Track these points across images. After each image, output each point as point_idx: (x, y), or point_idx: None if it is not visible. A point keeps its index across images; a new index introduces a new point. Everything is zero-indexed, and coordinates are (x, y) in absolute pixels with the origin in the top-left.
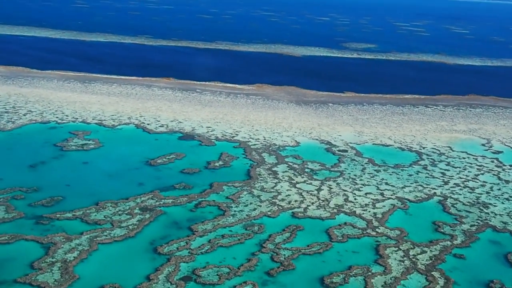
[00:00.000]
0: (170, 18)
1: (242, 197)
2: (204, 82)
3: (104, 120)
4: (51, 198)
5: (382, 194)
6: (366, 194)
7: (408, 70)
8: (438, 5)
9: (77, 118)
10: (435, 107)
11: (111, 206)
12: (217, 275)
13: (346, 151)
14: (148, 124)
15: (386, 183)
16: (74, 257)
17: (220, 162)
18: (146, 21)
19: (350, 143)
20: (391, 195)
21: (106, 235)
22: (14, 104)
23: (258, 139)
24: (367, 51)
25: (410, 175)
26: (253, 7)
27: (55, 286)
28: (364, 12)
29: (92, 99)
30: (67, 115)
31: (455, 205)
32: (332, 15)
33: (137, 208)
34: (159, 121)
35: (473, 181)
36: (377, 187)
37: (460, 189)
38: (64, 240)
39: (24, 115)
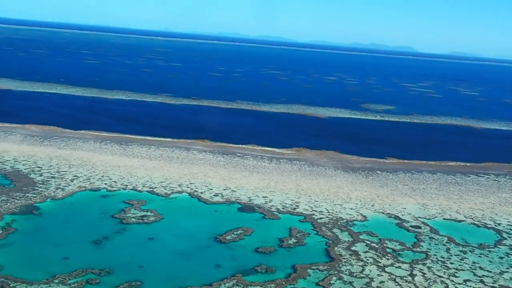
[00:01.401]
0: (182, 76)
1: (334, 284)
2: (241, 145)
3: (155, 187)
4: (128, 284)
5: (483, 282)
6: (465, 281)
7: (439, 134)
8: (434, 66)
9: (126, 185)
10: (486, 176)
11: None
12: None
13: (420, 227)
14: (201, 193)
15: (481, 268)
16: None
17: (293, 240)
18: (161, 79)
19: (419, 217)
20: (493, 283)
21: None
22: (57, 168)
23: (322, 211)
24: (389, 113)
25: (501, 258)
26: (259, 66)
27: None
28: (367, 72)
29: (135, 163)
30: (115, 182)
31: None
32: (338, 74)
33: None
34: (211, 189)
35: None
36: (473, 272)
37: None
38: None
39: (72, 180)
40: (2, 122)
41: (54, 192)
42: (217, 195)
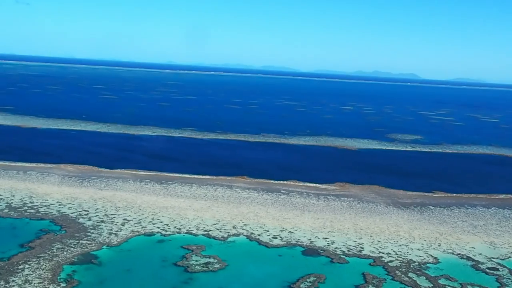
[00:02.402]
0: (201, 109)
1: None
2: (282, 181)
3: (210, 230)
4: None
5: None
6: None
7: (477, 165)
8: (443, 93)
9: (180, 229)
10: None
11: None
12: None
13: (497, 269)
14: (258, 235)
15: None
16: None
17: (371, 287)
18: (180, 113)
19: (493, 258)
20: None
21: None
22: (105, 212)
23: (389, 253)
24: (418, 143)
25: None
26: (272, 96)
27: None
28: (380, 101)
29: (182, 204)
30: (167, 225)
31: None
32: (352, 103)
33: None
34: (267, 230)
35: None
36: None
37: None
38: None
39: (123, 225)
40: (36, 162)
41: (108, 238)
42: (276, 238)
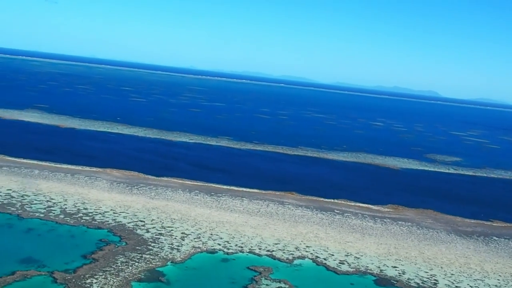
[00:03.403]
0: (231, 117)
1: None
2: (333, 200)
3: (273, 250)
4: None
5: None
6: None
7: None
8: (471, 113)
9: (242, 247)
10: None
11: None
12: None
13: None
14: (324, 259)
15: None
16: None
17: None
18: (213, 120)
19: None
20: None
21: None
22: (161, 223)
23: None
24: (459, 165)
25: None
26: (300, 108)
27: None
28: (408, 118)
29: (238, 220)
30: (228, 242)
31: None
32: (381, 119)
33: None
34: (332, 255)
35: None
36: None
37: None
38: None
39: (182, 239)
40: (82, 165)
41: (171, 253)
42: (343, 263)
